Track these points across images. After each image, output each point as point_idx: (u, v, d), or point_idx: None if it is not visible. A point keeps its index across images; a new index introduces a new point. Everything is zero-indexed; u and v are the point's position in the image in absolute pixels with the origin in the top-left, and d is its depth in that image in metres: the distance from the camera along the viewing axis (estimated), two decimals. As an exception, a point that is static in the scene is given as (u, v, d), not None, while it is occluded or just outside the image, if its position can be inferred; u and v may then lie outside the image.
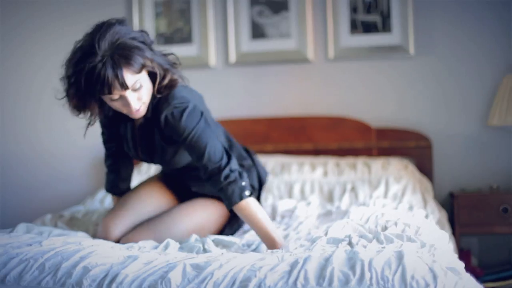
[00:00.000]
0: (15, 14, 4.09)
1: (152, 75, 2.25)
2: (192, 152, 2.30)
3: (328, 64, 3.75)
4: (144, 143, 2.45)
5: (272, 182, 3.25)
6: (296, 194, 3.16)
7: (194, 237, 2.32)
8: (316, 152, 3.65)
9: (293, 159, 3.52)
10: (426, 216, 2.71)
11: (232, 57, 3.81)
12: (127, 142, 2.48)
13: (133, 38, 2.15)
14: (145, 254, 1.93)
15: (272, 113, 3.77)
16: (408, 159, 3.53)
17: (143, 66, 2.15)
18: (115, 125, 2.50)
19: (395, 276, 1.60)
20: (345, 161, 3.44)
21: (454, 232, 3.28)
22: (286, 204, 2.94)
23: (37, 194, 4.08)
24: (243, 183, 2.25)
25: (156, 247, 2.19)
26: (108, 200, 3.23)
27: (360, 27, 3.69)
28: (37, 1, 4.07)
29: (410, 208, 2.81)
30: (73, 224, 2.73)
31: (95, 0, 3.98)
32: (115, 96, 2.14)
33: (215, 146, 2.28)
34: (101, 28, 2.12)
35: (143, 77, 2.18)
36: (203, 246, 2.17)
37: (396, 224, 2.25)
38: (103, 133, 2.64)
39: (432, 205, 3.00)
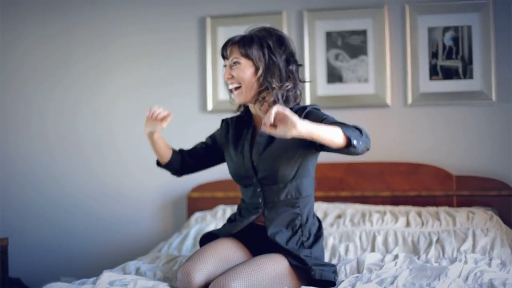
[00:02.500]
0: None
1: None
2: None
3: (407, 109, 3.68)
4: (261, 145, 2.59)
5: (353, 232, 3.17)
6: (379, 245, 3.08)
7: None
8: (394, 199, 3.57)
9: (372, 207, 3.44)
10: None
11: (308, 101, 3.76)
12: (242, 147, 2.65)
13: (277, 41, 2.58)
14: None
15: (349, 158, 3.68)
16: (490, 209, 3.42)
17: (249, 56, 2.54)
18: (238, 129, 2.73)
19: None
20: (426, 210, 3.35)
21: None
22: (372, 257, 2.86)
23: (99, 237, 4.07)
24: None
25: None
26: (187, 247, 3.19)
27: (440, 72, 3.62)
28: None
29: (503, 264, 2.73)
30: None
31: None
32: (226, 61, 2.60)
33: None
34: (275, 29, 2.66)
35: (246, 63, 2.55)
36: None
37: (504, 285, 2.17)
38: (202, 143, 2.90)
39: (524, 260, 2.90)
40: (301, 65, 2.67)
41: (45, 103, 4.13)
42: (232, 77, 2.58)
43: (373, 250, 3.06)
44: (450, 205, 3.50)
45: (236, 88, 2.60)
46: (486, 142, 3.59)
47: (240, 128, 2.74)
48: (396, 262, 2.78)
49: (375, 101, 3.69)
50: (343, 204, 3.49)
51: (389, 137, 3.70)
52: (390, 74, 3.68)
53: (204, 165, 2.92)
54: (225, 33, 3.78)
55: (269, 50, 2.56)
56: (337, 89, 3.75)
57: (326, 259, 3.02)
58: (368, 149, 2.41)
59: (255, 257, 2.54)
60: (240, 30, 2.77)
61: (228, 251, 2.58)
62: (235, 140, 2.72)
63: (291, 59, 2.60)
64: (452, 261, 2.79)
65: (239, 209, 2.78)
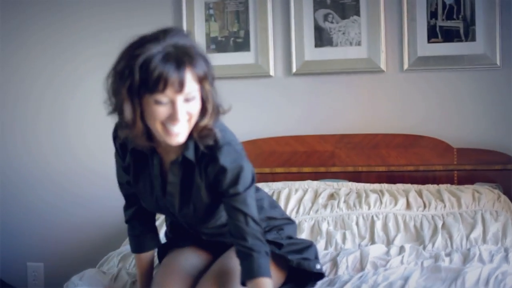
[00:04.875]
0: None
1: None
2: (234, 211, 1.98)
3: (403, 74, 3.37)
4: (175, 183, 2.04)
5: (350, 217, 2.89)
6: (378, 232, 2.80)
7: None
8: (390, 174, 3.30)
9: (367, 185, 3.17)
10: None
11: (294, 66, 3.44)
12: (150, 183, 2.08)
13: (202, 53, 1.87)
14: None
15: (340, 130, 3.41)
16: (495, 185, 3.16)
17: (204, 78, 1.85)
18: (140, 160, 2.08)
19: None
20: (427, 189, 3.09)
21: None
22: (376, 250, 2.58)
23: (67, 218, 3.77)
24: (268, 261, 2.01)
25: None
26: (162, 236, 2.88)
27: (439, 34, 3.30)
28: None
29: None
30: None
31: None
32: (164, 98, 1.80)
33: (255, 214, 2.01)
34: (173, 29, 1.86)
35: (198, 95, 1.86)
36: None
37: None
38: (121, 185, 2.24)
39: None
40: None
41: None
42: (187, 113, 1.87)
43: (372, 237, 2.79)
44: (451, 180, 3.25)
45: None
46: (490, 111, 3.31)
47: (140, 156, 2.09)
48: (403, 257, 2.51)
49: (368, 66, 3.38)
50: (335, 182, 3.21)
51: (383, 106, 3.41)
52: (384, 36, 3.36)
53: None
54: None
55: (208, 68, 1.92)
56: (326, 53, 3.42)
57: (322, 247, 2.73)
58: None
59: (220, 258, 2.22)
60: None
61: (189, 263, 2.24)
62: (136, 173, 2.12)
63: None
64: (464, 254, 2.52)
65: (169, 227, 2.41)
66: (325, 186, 3.19)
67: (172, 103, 1.82)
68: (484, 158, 3.24)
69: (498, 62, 3.25)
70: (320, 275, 2.32)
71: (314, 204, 3.03)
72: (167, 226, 2.43)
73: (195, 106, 1.87)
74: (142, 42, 1.81)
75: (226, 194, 1.97)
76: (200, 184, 2.01)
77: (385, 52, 3.36)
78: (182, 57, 1.79)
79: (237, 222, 1.97)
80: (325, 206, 3.00)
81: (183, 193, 2.05)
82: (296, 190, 3.12)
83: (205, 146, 1.95)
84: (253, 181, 2.01)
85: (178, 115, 1.83)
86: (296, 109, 3.47)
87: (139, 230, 2.25)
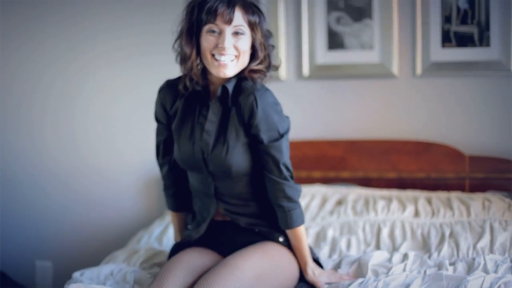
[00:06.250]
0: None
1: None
2: (269, 156, 2.22)
3: (416, 80, 3.31)
4: (214, 122, 2.24)
5: (356, 223, 2.85)
6: (384, 239, 2.75)
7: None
8: (400, 181, 3.24)
9: (376, 191, 3.12)
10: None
11: (306, 70, 3.40)
12: (192, 128, 2.26)
13: (259, 8, 2.21)
14: None
15: (351, 135, 3.36)
16: (507, 194, 3.09)
17: (255, 25, 2.16)
18: (188, 107, 2.29)
19: None
20: (437, 196, 3.03)
21: None
22: (378, 256, 2.53)
23: (75, 217, 3.75)
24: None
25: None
26: (168, 238, 2.87)
27: (454, 39, 3.24)
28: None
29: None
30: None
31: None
32: (215, 27, 2.11)
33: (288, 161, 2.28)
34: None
35: (248, 35, 2.16)
36: None
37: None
38: (158, 145, 2.42)
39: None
40: (271, 36, 2.32)
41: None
42: (234, 48, 2.15)
43: (377, 244, 2.74)
44: (463, 188, 3.18)
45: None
46: (504, 119, 3.23)
47: (191, 103, 2.31)
48: (405, 264, 2.46)
49: (381, 71, 3.32)
50: (344, 188, 3.17)
51: (395, 111, 3.35)
52: (397, 40, 3.30)
53: None
54: None
55: (264, 23, 2.23)
56: (338, 57, 3.38)
57: (326, 254, 2.70)
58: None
59: (228, 257, 2.26)
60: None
61: (195, 260, 2.28)
62: (182, 118, 2.31)
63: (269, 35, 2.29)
64: (469, 263, 2.47)
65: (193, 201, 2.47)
66: (334, 192, 3.15)
67: (221, 33, 2.11)
68: (496, 166, 3.16)
69: (512, 69, 3.18)
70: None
71: (321, 210, 2.99)
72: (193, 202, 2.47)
73: (243, 43, 2.14)
74: None
75: (259, 139, 2.19)
76: (236, 125, 2.19)
77: (398, 56, 3.31)
78: (238, 1, 2.12)
79: (271, 176, 2.23)
80: (331, 212, 2.97)
81: (219, 131, 2.22)
82: (304, 195, 3.09)
83: (246, 85, 2.18)
84: (288, 129, 2.25)
85: (225, 43, 2.10)
86: (307, 113, 3.43)
87: (173, 191, 2.48)
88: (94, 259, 3.27)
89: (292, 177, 2.28)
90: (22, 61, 3.75)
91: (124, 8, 3.59)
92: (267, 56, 2.22)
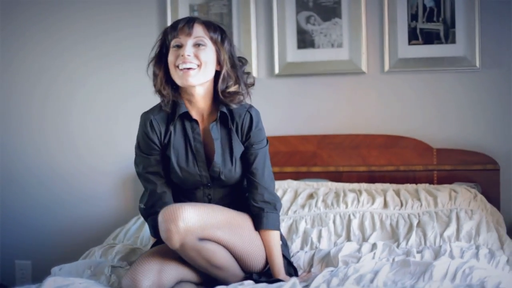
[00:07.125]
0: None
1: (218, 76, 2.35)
2: (254, 161, 2.38)
3: (384, 76, 3.39)
4: (218, 140, 2.37)
5: (327, 215, 2.91)
6: (354, 230, 2.82)
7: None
8: (370, 174, 3.32)
9: (346, 185, 3.19)
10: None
11: (277, 68, 3.47)
12: (190, 146, 2.35)
13: (222, 28, 2.39)
14: None
15: (322, 131, 3.43)
16: (474, 185, 3.18)
17: (217, 40, 2.31)
18: (179, 131, 2.38)
19: None
20: (405, 188, 3.11)
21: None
22: (348, 248, 2.61)
23: (54, 217, 3.77)
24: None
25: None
26: (143, 236, 2.92)
27: (420, 36, 3.33)
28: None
29: (491, 253, 2.50)
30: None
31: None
32: (178, 41, 2.27)
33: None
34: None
35: (211, 48, 2.30)
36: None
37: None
38: (152, 191, 2.39)
39: (511, 245, 2.68)
40: (247, 63, 2.48)
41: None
42: (195, 57, 2.27)
43: (348, 235, 2.81)
44: (431, 180, 3.27)
45: (189, 69, 2.27)
46: (470, 112, 3.33)
47: (182, 125, 2.39)
48: (374, 253, 2.54)
49: (350, 68, 3.41)
50: (315, 182, 3.23)
51: (365, 107, 3.43)
52: (366, 38, 3.39)
53: None
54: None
55: (229, 42, 2.39)
56: (308, 54, 3.45)
57: (297, 246, 2.77)
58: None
59: None
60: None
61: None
62: (176, 141, 2.37)
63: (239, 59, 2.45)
64: (436, 250, 2.55)
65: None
66: (305, 186, 3.21)
67: (183, 46, 2.26)
68: (463, 158, 3.26)
69: (477, 64, 3.27)
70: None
71: (293, 204, 3.05)
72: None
73: (205, 54, 2.28)
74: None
75: (252, 144, 2.38)
76: (237, 141, 2.37)
77: (366, 54, 3.39)
78: (196, 17, 2.34)
79: (252, 178, 2.38)
80: (303, 206, 3.02)
81: (223, 150, 2.37)
82: (276, 190, 3.14)
83: (235, 105, 2.36)
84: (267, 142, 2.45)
85: (185, 51, 2.24)
86: (279, 110, 3.49)
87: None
88: (73, 257, 3.30)
89: (273, 185, 2.45)
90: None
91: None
92: (239, 78, 2.36)
